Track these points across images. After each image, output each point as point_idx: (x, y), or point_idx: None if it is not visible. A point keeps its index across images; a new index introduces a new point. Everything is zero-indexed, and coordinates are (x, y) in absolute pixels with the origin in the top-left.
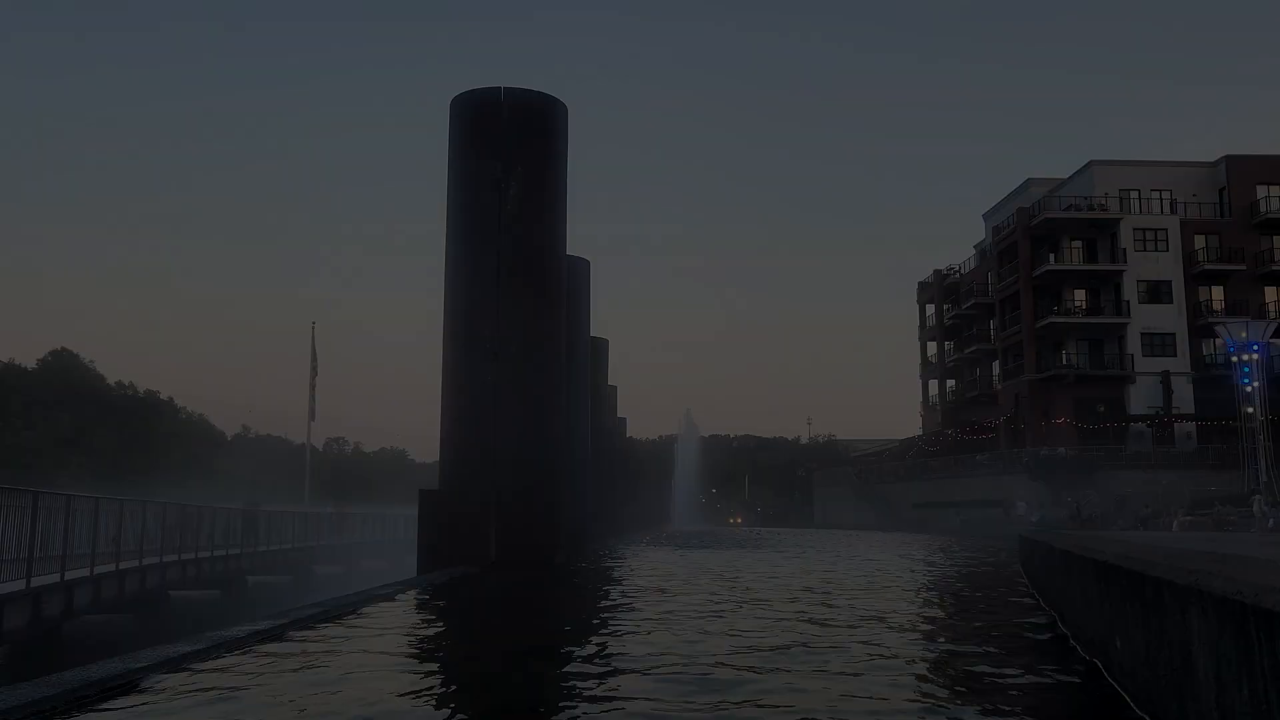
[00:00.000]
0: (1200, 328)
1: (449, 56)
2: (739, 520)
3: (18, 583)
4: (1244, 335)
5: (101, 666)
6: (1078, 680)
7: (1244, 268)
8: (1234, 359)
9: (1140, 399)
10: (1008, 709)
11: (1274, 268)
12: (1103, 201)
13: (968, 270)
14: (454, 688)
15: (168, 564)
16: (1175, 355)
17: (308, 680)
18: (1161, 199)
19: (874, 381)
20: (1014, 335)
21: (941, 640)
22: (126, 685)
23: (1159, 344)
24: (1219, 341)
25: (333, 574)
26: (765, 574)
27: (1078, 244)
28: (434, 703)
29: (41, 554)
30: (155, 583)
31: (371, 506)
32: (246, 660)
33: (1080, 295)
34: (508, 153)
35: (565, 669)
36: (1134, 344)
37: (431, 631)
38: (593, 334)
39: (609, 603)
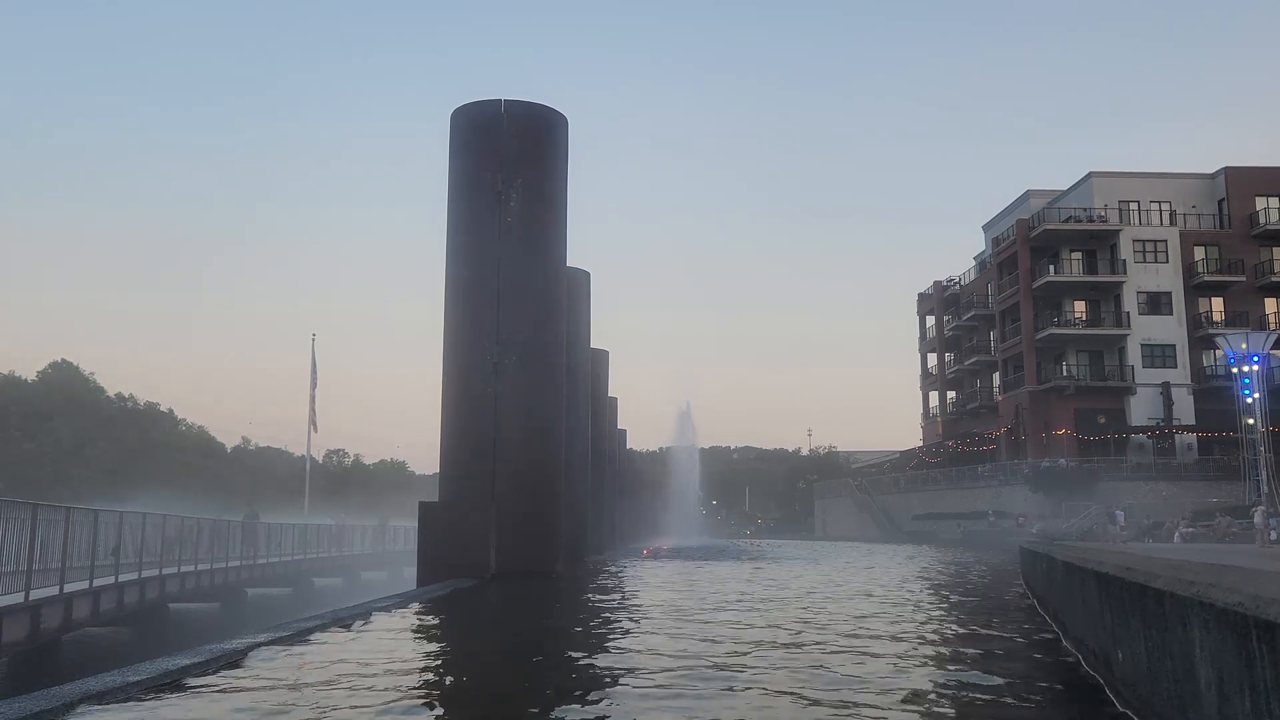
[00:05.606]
0: (1200, 339)
1: (450, 69)
2: (731, 533)
3: (16, 595)
4: (1244, 346)
5: (99, 679)
6: (1079, 689)
7: (1243, 279)
8: (1234, 370)
9: (1141, 410)
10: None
11: (1273, 279)
12: (1102, 213)
13: (968, 282)
14: (452, 707)
15: (167, 576)
16: (1175, 367)
17: (302, 697)
18: (1161, 210)
19: (874, 393)
20: (1014, 346)
21: (945, 653)
22: (125, 698)
23: (1159, 355)
24: (1219, 353)
25: (332, 586)
26: (762, 585)
27: (1077, 255)
28: None
29: (41, 566)
30: (154, 595)
31: (372, 518)
32: (239, 675)
33: (1080, 307)
34: (508, 165)
35: (565, 684)
36: (1134, 355)
37: (430, 647)
38: (592, 345)
39: (608, 614)
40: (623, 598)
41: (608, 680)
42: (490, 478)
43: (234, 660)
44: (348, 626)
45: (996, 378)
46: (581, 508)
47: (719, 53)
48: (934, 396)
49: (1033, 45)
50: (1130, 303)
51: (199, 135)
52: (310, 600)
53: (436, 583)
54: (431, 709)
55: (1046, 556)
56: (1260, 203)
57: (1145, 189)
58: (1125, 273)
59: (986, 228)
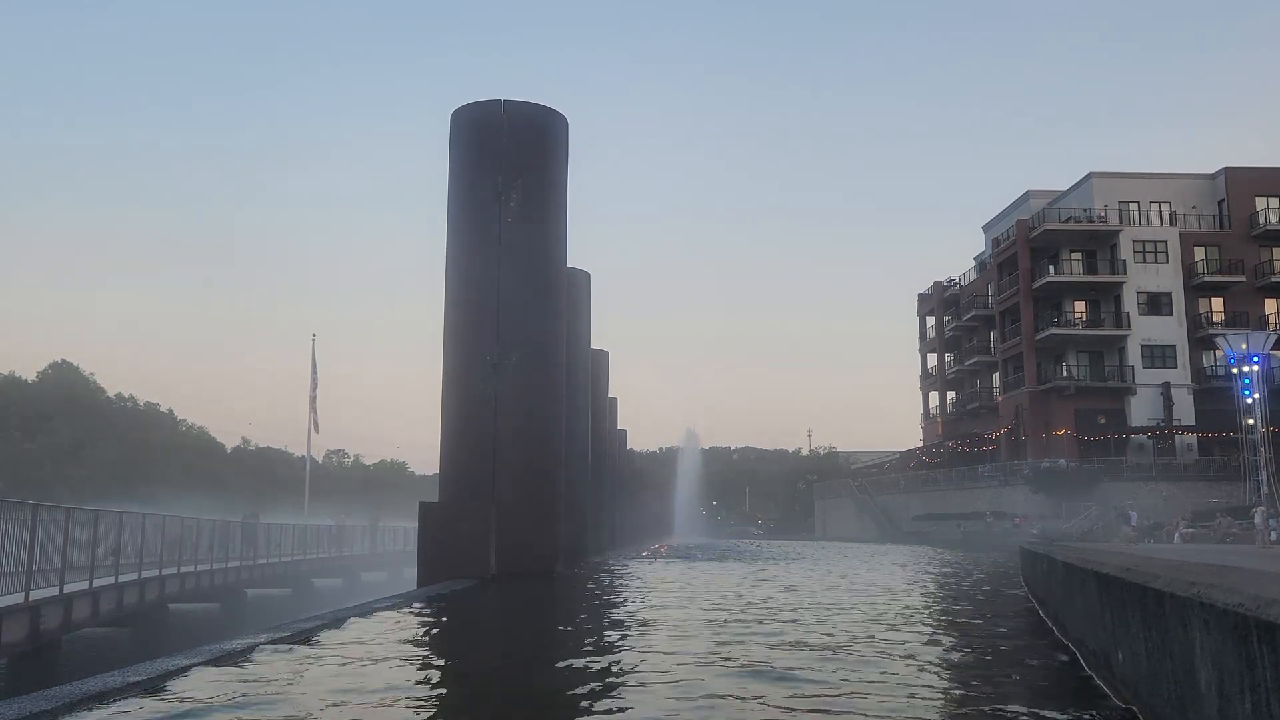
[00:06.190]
0: (1200, 339)
1: (450, 69)
2: (732, 533)
3: (16, 596)
4: (1244, 347)
5: (99, 680)
6: (1079, 692)
7: (1243, 280)
8: (1234, 371)
9: (1141, 411)
10: None
11: (1273, 279)
12: (1102, 213)
13: (968, 282)
14: (449, 713)
15: (167, 577)
16: (1175, 367)
17: (294, 703)
18: (1161, 211)
19: (874, 393)
20: (1014, 347)
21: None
22: (125, 699)
23: (1159, 356)
24: (1219, 353)
25: (332, 586)
26: (763, 587)
27: (1077, 256)
28: None
29: (41, 567)
30: (154, 596)
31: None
32: (230, 678)
33: (1080, 307)
34: (508, 166)
35: (565, 691)
36: (1134, 356)
37: (429, 649)
38: (593, 346)
39: (608, 616)
40: (626, 602)
41: (610, 697)
42: (490, 478)
43: (228, 662)
44: (343, 627)
45: (996, 378)
46: (582, 508)
47: (719, 53)
48: (934, 397)
49: (1033, 45)
50: (1130, 303)
51: (199, 135)
52: (310, 601)
53: (436, 583)
54: (427, 713)
55: (1047, 557)
56: (1260, 203)
57: (1145, 189)
58: (1125, 273)
59: (986, 228)
